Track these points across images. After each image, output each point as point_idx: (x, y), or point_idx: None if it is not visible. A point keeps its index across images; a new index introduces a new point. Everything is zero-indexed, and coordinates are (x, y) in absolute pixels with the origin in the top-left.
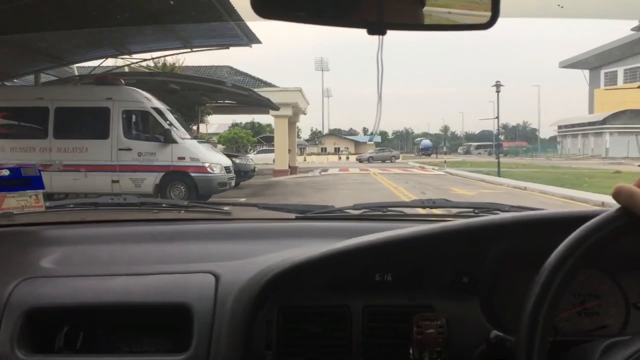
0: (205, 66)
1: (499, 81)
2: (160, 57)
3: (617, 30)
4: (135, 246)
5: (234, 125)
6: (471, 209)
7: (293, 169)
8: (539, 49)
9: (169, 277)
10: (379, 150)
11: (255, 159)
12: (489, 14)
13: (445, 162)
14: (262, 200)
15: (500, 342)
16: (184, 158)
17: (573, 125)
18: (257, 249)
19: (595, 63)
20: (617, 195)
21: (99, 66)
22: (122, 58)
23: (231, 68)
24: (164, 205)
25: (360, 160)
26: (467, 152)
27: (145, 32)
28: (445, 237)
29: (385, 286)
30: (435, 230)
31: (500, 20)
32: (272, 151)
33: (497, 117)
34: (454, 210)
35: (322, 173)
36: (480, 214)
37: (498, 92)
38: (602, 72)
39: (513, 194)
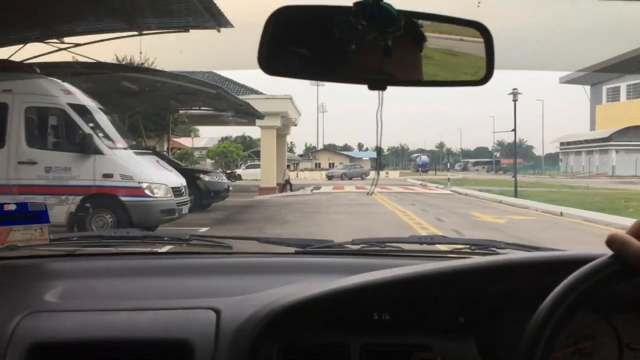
0: (184, 71)
1: (516, 89)
2: (107, 39)
3: (618, 46)
4: (138, 280)
5: (224, 139)
6: (468, 246)
7: (283, 186)
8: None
9: (170, 312)
10: (351, 167)
11: (244, 174)
12: (483, 71)
13: (449, 179)
14: (229, 229)
15: None
16: (111, 175)
17: (576, 143)
18: (258, 284)
19: (597, 79)
20: (610, 243)
21: (16, 53)
22: (48, 42)
23: (214, 74)
24: (165, 238)
25: (329, 177)
26: (465, 169)
27: (74, 6)
28: (442, 278)
29: (383, 325)
30: (432, 271)
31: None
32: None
33: (515, 130)
34: (451, 247)
35: (314, 191)
36: (477, 251)
37: (515, 100)
38: (604, 87)
39: (552, 222)
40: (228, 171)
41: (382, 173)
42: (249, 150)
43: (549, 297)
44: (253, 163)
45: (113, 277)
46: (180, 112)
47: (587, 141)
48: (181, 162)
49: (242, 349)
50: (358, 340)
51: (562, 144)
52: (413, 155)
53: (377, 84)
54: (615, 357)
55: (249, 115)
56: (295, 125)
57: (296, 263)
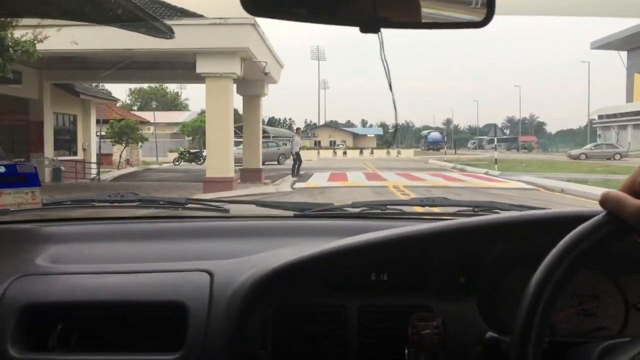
0: None
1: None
2: None
3: None
4: (131, 244)
5: (203, 112)
6: (471, 208)
7: (254, 174)
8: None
9: (163, 275)
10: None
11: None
12: (484, 11)
13: (496, 161)
14: None
15: (495, 343)
16: None
17: (623, 115)
18: (254, 248)
19: (636, 43)
20: (604, 202)
21: None
22: None
23: None
24: (161, 202)
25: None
26: (479, 147)
27: None
28: (443, 236)
29: (381, 286)
30: (432, 230)
31: None
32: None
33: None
34: (453, 209)
35: (297, 185)
36: (480, 213)
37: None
38: None
39: None
40: (192, 151)
41: (393, 152)
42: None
43: (547, 258)
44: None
45: (106, 240)
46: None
47: (633, 113)
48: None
49: (235, 310)
50: (355, 302)
51: (600, 116)
52: (423, 132)
53: (370, 26)
54: (621, 318)
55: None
56: (276, 82)
57: (294, 226)
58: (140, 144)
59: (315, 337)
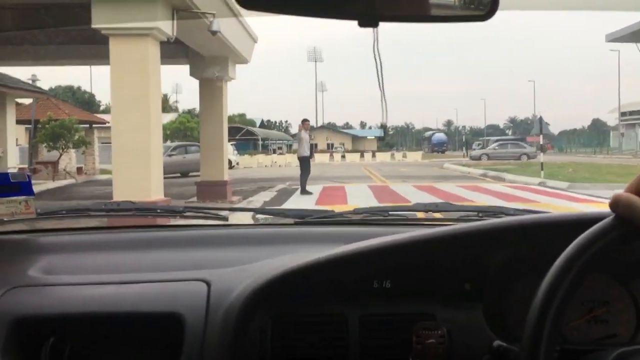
0: None
1: None
2: None
3: None
4: (127, 253)
5: (187, 112)
6: (475, 213)
7: (217, 189)
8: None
9: (159, 285)
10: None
11: (171, 163)
12: (488, 3)
13: (542, 165)
14: None
15: (504, 352)
16: None
17: None
18: (253, 256)
19: None
20: (614, 205)
21: None
22: None
23: None
24: (158, 210)
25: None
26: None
27: None
28: (447, 241)
29: (383, 293)
30: (436, 235)
31: None
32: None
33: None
34: (457, 214)
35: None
36: (485, 218)
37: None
38: None
39: None
40: None
41: (397, 155)
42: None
43: (555, 264)
44: (180, 144)
45: (101, 251)
46: None
47: None
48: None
49: (233, 320)
50: (357, 310)
51: (624, 114)
52: (427, 133)
53: (369, 20)
54: (632, 324)
55: None
56: (246, 61)
57: (294, 233)
58: (83, 148)
59: (316, 347)
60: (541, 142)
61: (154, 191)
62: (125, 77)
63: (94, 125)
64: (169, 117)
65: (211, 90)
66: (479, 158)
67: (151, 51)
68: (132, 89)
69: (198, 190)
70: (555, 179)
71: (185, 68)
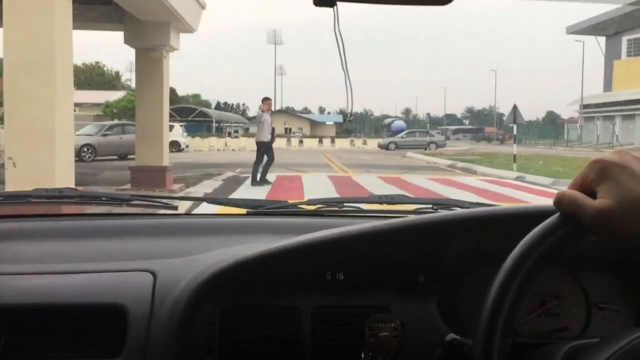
0: None
1: None
2: None
3: None
4: (69, 243)
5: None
6: (430, 205)
7: (155, 176)
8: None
9: (102, 275)
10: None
11: (103, 145)
12: None
13: (515, 157)
14: None
15: (457, 345)
16: None
17: (608, 104)
18: (203, 246)
19: (616, 28)
20: (559, 203)
21: None
22: None
23: None
24: (103, 198)
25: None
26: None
27: None
28: (401, 233)
29: (337, 286)
30: (390, 227)
31: None
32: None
33: None
34: (412, 207)
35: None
36: (439, 211)
37: None
38: (625, 39)
39: None
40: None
41: (357, 141)
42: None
43: (506, 263)
44: (117, 123)
45: (41, 239)
46: None
47: (622, 103)
48: None
49: (179, 313)
50: (309, 302)
51: (584, 106)
52: (387, 120)
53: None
54: (583, 318)
55: None
56: (192, 30)
57: (247, 223)
58: None
59: (266, 341)
60: (514, 133)
61: (59, 180)
62: (21, 32)
63: None
64: (118, 95)
65: (149, 61)
66: (387, 146)
67: (58, 4)
68: (29, 48)
69: (132, 177)
70: (527, 172)
71: None
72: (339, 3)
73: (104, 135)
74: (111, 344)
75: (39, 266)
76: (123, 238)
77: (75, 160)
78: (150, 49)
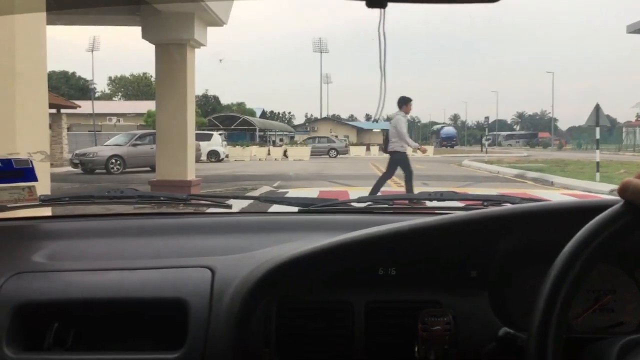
0: None
1: None
2: None
3: None
4: (131, 240)
5: None
6: (480, 202)
7: (180, 191)
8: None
9: (163, 271)
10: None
11: (132, 156)
12: None
13: (598, 165)
14: None
15: (511, 339)
16: None
17: None
18: (257, 243)
19: None
20: (623, 191)
21: None
22: None
23: None
24: (162, 198)
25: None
26: (494, 143)
27: None
28: (453, 228)
29: (389, 281)
30: (442, 222)
31: None
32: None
33: None
34: (462, 203)
35: None
36: (489, 207)
37: None
38: None
39: None
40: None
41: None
42: (213, 115)
43: (564, 251)
44: (149, 132)
45: (104, 237)
46: None
47: None
48: None
49: (237, 307)
50: (362, 297)
51: None
52: (436, 127)
53: (376, 1)
54: (639, 313)
55: None
56: (222, 23)
57: (298, 221)
58: None
59: (321, 334)
60: (597, 137)
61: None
62: None
63: (62, 110)
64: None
65: (171, 59)
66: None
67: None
68: None
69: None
70: (612, 182)
71: None
72: (388, 4)
73: (134, 145)
74: (172, 338)
75: (103, 263)
76: (181, 236)
77: (103, 173)
78: (172, 44)
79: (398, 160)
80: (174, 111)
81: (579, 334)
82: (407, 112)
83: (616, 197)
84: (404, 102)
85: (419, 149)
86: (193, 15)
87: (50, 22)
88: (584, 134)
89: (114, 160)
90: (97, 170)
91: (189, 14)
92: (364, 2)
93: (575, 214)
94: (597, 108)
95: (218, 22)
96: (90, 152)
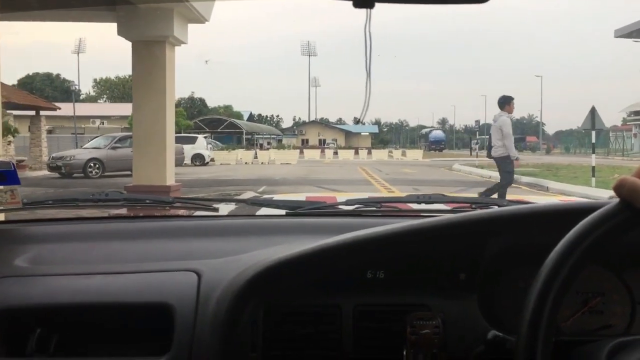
0: None
1: None
2: None
3: None
4: (115, 244)
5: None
6: (468, 204)
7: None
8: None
9: (148, 275)
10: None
11: (116, 157)
12: None
13: (594, 170)
14: None
15: (500, 342)
16: None
17: None
18: (245, 246)
19: None
20: (619, 188)
21: None
22: None
23: None
24: (147, 201)
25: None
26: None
27: None
28: (441, 231)
29: (377, 284)
30: (430, 225)
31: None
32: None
33: None
34: (451, 206)
35: None
36: (478, 209)
37: None
38: None
39: None
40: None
41: (396, 152)
42: (199, 117)
43: (555, 250)
44: (129, 134)
45: (89, 241)
46: None
47: None
48: None
49: (224, 311)
50: (350, 301)
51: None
52: (424, 130)
53: (364, 1)
54: (627, 315)
55: None
56: (204, 20)
57: (286, 224)
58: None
59: (309, 339)
60: (593, 140)
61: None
62: None
63: (41, 112)
64: None
65: (149, 57)
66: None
67: None
68: None
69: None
70: (608, 187)
71: None
72: (376, 4)
73: (114, 148)
74: (157, 342)
75: (87, 267)
76: (167, 239)
77: (81, 177)
78: (150, 41)
79: (503, 165)
80: (153, 112)
81: (568, 337)
82: (510, 112)
83: (608, 201)
84: (506, 102)
85: (516, 160)
86: (172, 11)
87: (19, 18)
88: (570, 137)
89: (92, 164)
90: (75, 174)
91: (167, 10)
92: (350, 3)
93: (563, 216)
94: (593, 111)
95: (199, 19)
96: (68, 156)
